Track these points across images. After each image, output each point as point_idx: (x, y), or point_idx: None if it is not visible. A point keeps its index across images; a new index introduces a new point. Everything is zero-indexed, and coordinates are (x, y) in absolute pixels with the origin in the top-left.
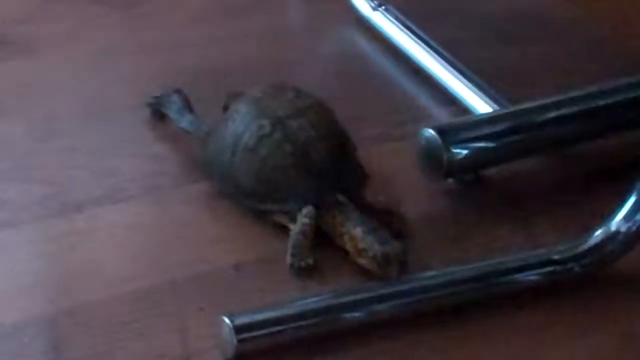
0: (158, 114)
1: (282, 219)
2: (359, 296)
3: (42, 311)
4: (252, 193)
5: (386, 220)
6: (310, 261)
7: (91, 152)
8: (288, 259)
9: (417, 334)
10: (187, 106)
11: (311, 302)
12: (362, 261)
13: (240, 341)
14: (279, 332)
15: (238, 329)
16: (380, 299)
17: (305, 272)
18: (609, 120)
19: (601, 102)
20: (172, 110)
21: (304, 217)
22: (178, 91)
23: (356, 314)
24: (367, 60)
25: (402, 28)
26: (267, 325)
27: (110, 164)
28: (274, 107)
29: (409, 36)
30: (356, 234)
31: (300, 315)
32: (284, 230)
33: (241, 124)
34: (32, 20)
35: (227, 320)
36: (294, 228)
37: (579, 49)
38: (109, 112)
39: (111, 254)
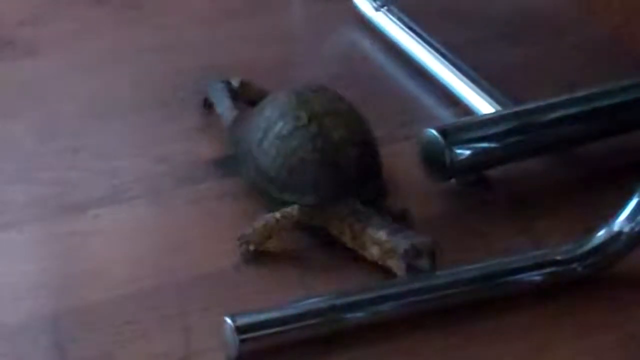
0: (208, 103)
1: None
2: (362, 296)
3: (45, 311)
4: (273, 180)
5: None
6: (252, 248)
7: (95, 152)
8: (242, 235)
9: (419, 334)
10: (231, 95)
11: (313, 302)
12: (391, 263)
13: (242, 341)
14: (281, 332)
15: (240, 330)
16: (383, 299)
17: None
18: (612, 121)
19: (605, 103)
20: (216, 95)
21: (292, 210)
22: (226, 82)
23: (359, 314)
24: (369, 60)
25: (405, 29)
26: (270, 326)
27: (114, 165)
28: (313, 102)
29: (412, 37)
30: (381, 236)
31: (303, 316)
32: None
33: (277, 111)
34: (36, 21)
35: (229, 320)
36: (276, 213)
37: (582, 50)
38: (113, 113)
39: (114, 255)
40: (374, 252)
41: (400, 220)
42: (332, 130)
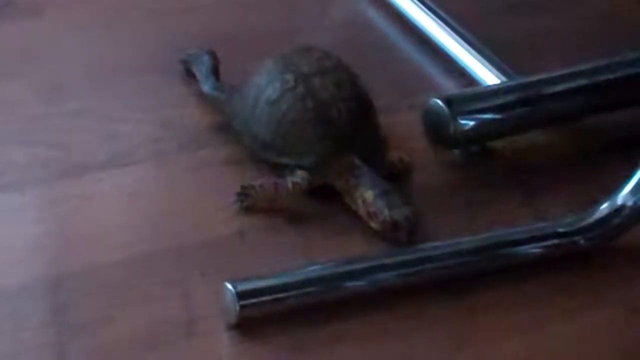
0: (190, 72)
1: (304, 184)
2: (363, 265)
3: (45, 274)
4: (270, 146)
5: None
6: (246, 204)
7: (97, 115)
8: (245, 187)
9: (419, 304)
10: (214, 70)
11: (315, 269)
12: (373, 224)
13: (242, 307)
14: (281, 299)
15: (241, 295)
16: (384, 268)
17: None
18: (617, 94)
19: (610, 76)
20: (200, 71)
21: (297, 178)
22: (210, 53)
23: (360, 283)
24: (375, 30)
25: None
26: (270, 292)
27: (116, 128)
28: (300, 64)
29: (418, 6)
30: (367, 197)
31: (304, 283)
32: (289, 197)
33: (266, 78)
34: None
35: (230, 286)
36: (285, 178)
37: (588, 22)
38: (116, 76)
39: (115, 219)
40: (360, 209)
41: (400, 171)
42: (320, 89)
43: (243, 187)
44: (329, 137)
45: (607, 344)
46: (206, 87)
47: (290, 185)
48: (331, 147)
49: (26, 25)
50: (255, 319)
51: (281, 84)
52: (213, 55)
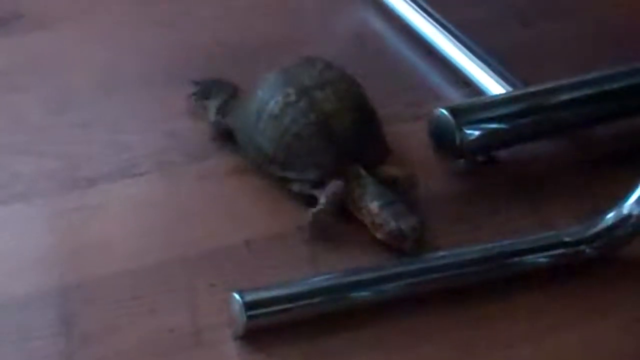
0: (201, 104)
1: (303, 188)
2: (369, 275)
3: (52, 285)
4: (274, 160)
5: (406, 190)
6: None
7: (104, 127)
8: (307, 228)
9: (426, 314)
10: (225, 103)
11: (322, 280)
12: (379, 235)
13: (250, 317)
14: (289, 309)
15: (248, 306)
16: (390, 278)
17: (317, 249)
18: (623, 103)
19: (615, 86)
20: (211, 105)
21: (334, 184)
22: (233, 86)
23: (366, 293)
24: (380, 39)
25: (416, 8)
26: (278, 303)
27: (124, 139)
28: (301, 77)
29: (423, 16)
30: (373, 208)
31: (311, 293)
32: (296, 207)
33: (268, 92)
34: None
35: (237, 296)
36: (323, 194)
37: (594, 32)
38: (124, 87)
39: (123, 229)
40: (366, 220)
41: (402, 184)
42: (323, 102)
43: (314, 215)
44: (333, 150)
45: (612, 353)
46: (211, 117)
47: (335, 189)
48: (335, 160)
49: (35, 37)
50: (262, 329)
51: (283, 98)
52: (234, 88)
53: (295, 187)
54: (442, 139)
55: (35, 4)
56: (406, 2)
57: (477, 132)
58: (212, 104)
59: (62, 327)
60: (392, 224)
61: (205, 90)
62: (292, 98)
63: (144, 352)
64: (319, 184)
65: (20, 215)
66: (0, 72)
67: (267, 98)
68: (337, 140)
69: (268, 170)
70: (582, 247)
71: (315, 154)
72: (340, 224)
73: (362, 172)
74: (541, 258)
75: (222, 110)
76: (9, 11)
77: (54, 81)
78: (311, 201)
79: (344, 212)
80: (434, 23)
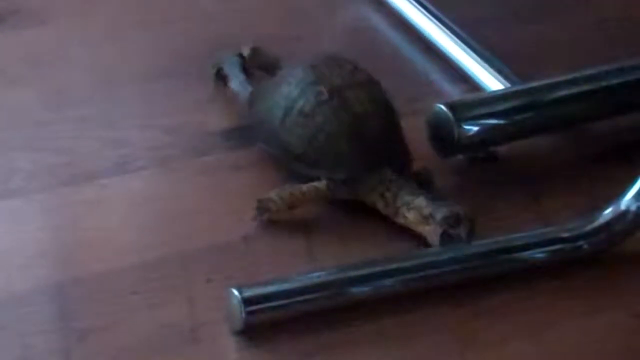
0: (220, 75)
1: (323, 188)
2: (367, 271)
3: (50, 280)
4: (301, 157)
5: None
6: (267, 216)
7: (103, 122)
8: (261, 200)
9: (424, 309)
10: (244, 69)
11: (320, 275)
12: (427, 229)
13: (248, 313)
14: (287, 305)
15: (247, 301)
16: (389, 274)
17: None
18: (621, 99)
19: (613, 81)
20: (229, 69)
21: (319, 185)
22: (239, 55)
23: (364, 289)
24: (379, 35)
25: (415, 4)
26: (276, 298)
27: (122, 135)
28: (332, 76)
29: (422, 12)
30: (419, 202)
31: (309, 289)
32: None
33: (296, 89)
34: None
35: (235, 292)
36: (273, 195)
37: (593, 28)
38: (122, 82)
39: (120, 225)
40: (410, 217)
41: (427, 186)
42: (354, 103)
43: (260, 201)
44: (363, 152)
45: (611, 349)
46: (234, 83)
47: (304, 188)
48: (364, 162)
49: (32, 32)
50: (260, 324)
51: (315, 96)
52: (242, 57)
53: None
54: (441, 134)
55: (33, 0)
56: None
57: (475, 128)
58: (230, 70)
59: (60, 323)
60: (445, 210)
61: (220, 61)
62: (325, 96)
63: (142, 348)
64: (346, 184)
65: (18, 210)
66: None
67: (296, 95)
68: (367, 142)
69: (293, 167)
70: (580, 243)
71: (346, 155)
72: (339, 219)
73: (392, 174)
74: (539, 254)
75: (241, 73)
76: (5, 6)
77: (52, 77)
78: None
79: (342, 207)
80: (433, 19)
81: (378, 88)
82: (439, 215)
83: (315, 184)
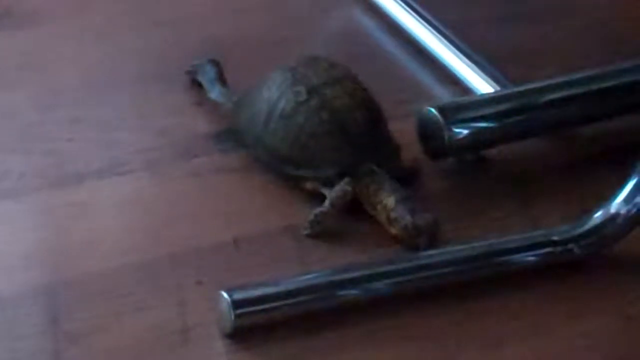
0: (196, 82)
1: (316, 186)
2: (358, 273)
3: (40, 282)
4: (287, 159)
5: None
6: (320, 230)
7: (94, 124)
8: (307, 226)
9: (414, 312)
10: (220, 77)
11: (309, 278)
12: (394, 230)
13: (238, 316)
14: (277, 307)
15: (236, 304)
16: (379, 276)
17: (305, 247)
18: (611, 102)
19: (604, 85)
20: (205, 79)
21: (341, 189)
22: (213, 61)
23: (355, 291)
24: (370, 38)
25: (406, 7)
26: (266, 301)
27: (113, 137)
28: (309, 75)
29: (413, 15)
30: (389, 203)
31: (299, 291)
32: (286, 204)
33: (277, 91)
34: None
35: (225, 295)
36: (329, 195)
37: (583, 31)
38: (114, 84)
39: (111, 226)
40: (381, 216)
41: (413, 176)
42: (334, 99)
43: (315, 216)
44: (347, 147)
45: (602, 352)
46: (213, 94)
47: (340, 192)
48: (350, 157)
49: (24, 34)
50: (250, 327)
51: (294, 97)
52: (217, 64)
53: (309, 185)
54: (431, 137)
55: (25, 2)
56: (395, 1)
57: (465, 131)
58: (206, 80)
59: (50, 325)
60: (408, 219)
61: (195, 70)
62: (303, 97)
63: (131, 350)
64: (333, 181)
65: (8, 211)
66: None
67: (276, 98)
68: (351, 137)
69: (280, 169)
70: (570, 246)
71: (330, 152)
72: (325, 226)
73: (376, 168)
74: (530, 257)
75: (218, 83)
76: None
77: (44, 78)
78: (324, 198)
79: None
80: (423, 22)
81: (356, 82)
82: (401, 222)
83: (339, 190)
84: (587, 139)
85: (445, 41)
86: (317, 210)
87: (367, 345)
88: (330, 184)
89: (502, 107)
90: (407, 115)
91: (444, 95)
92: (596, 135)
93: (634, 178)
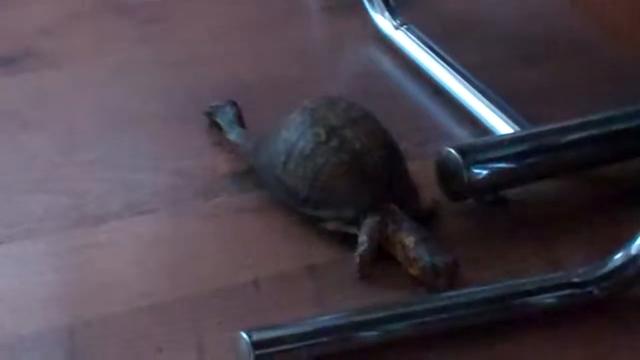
0: (214, 123)
1: (337, 226)
2: (376, 315)
3: (60, 323)
4: (306, 200)
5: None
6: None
7: (113, 164)
8: (357, 269)
9: (433, 354)
10: (238, 118)
11: (329, 319)
12: (413, 271)
13: (258, 357)
14: (296, 348)
15: (256, 345)
16: (398, 318)
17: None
18: (630, 143)
19: (622, 125)
20: (224, 120)
21: (372, 221)
22: (232, 103)
23: (373, 333)
24: (388, 79)
25: (424, 47)
26: (285, 342)
27: (132, 177)
28: (327, 116)
29: (431, 55)
30: (408, 243)
31: (318, 333)
32: (306, 244)
33: (295, 132)
34: (57, 32)
35: (245, 335)
36: (363, 233)
37: (601, 71)
38: (132, 125)
39: (130, 268)
40: (400, 257)
41: (431, 217)
42: (353, 140)
43: (360, 257)
44: (367, 188)
45: None
46: (232, 135)
47: (375, 226)
48: (369, 197)
49: (45, 75)
50: None
51: (313, 138)
52: (235, 105)
53: (331, 226)
54: (450, 178)
55: (45, 42)
56: (414, 42)
57: (485, 172)
58: (225, 121)
59: None
60: (427, 259)
61: (213, 112)
62: (323, 138)
63: None
64: (355, 221)
65: (28, 253)
66: (10, 110)
67: (295, 139)
68: (370, 178)
69: (300, 209)
70: (590, 288)
71: (350, 193)
72: (347, 262)
73: (395, 208)
74: (549, 299)
75: (237, 124)
76: (19, 49)
77: (64, 119)
78: (347, 238)
79: (350, 250)
80: (443, 63)
81: (374, 123)
82: (420, 263)
83: (368, 230)
84: (607, 179)
85: (465, 82)
86: (359, 251)
87: None
88: (353, 222)
89: (521, 147)
90: (427, 155)
91: (463, 135)
92: (615, 175)
93: None
